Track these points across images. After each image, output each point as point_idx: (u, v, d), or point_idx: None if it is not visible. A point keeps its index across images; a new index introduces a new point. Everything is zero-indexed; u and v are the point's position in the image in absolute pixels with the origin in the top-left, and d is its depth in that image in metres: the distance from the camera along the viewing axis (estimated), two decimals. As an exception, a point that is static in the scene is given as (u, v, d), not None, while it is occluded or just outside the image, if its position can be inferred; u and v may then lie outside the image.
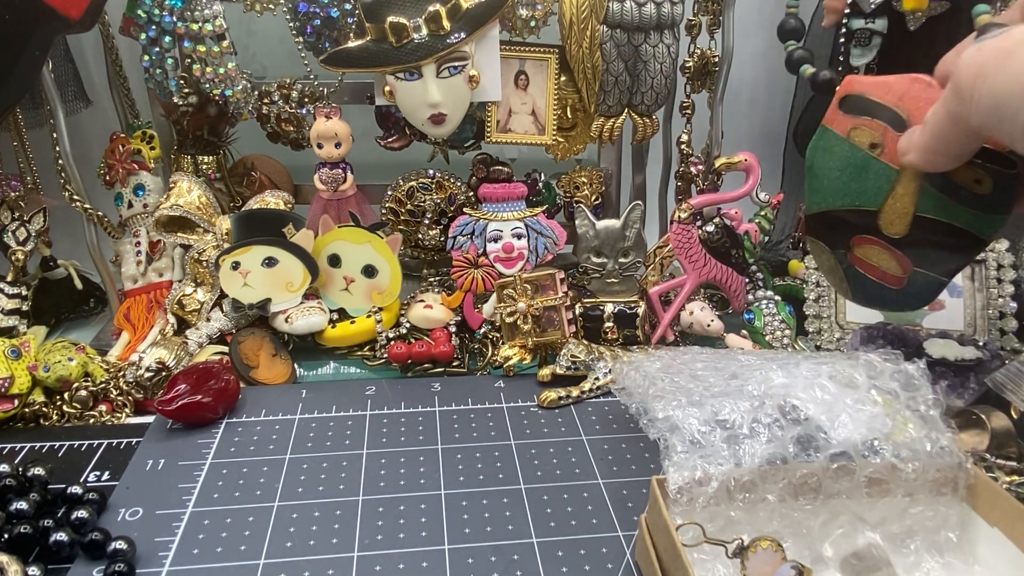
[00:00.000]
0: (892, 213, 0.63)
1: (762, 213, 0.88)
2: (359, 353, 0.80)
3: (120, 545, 0.51)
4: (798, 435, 0.50)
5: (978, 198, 0.59)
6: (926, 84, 0.60)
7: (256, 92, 0.85)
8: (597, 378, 0.72)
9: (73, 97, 0.92)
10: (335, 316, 0.81)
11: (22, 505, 0.52)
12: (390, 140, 0.88)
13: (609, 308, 0.77)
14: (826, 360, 0.57)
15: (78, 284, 0.89)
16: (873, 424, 0.50)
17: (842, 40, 0.77)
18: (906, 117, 0.61)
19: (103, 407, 0.69)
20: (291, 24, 0.81)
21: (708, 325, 0.78)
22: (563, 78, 0.84)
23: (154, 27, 0.79)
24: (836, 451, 0.49)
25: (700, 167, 0.92)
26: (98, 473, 0.60)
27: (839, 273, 0.69)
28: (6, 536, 0.50)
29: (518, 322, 0.75)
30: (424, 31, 0.76)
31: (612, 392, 0.70)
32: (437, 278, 0.92)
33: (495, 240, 0.83)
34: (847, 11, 0.77)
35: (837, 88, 0.66)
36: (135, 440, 0.64)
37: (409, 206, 0.89)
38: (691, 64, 0.90)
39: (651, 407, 0.54)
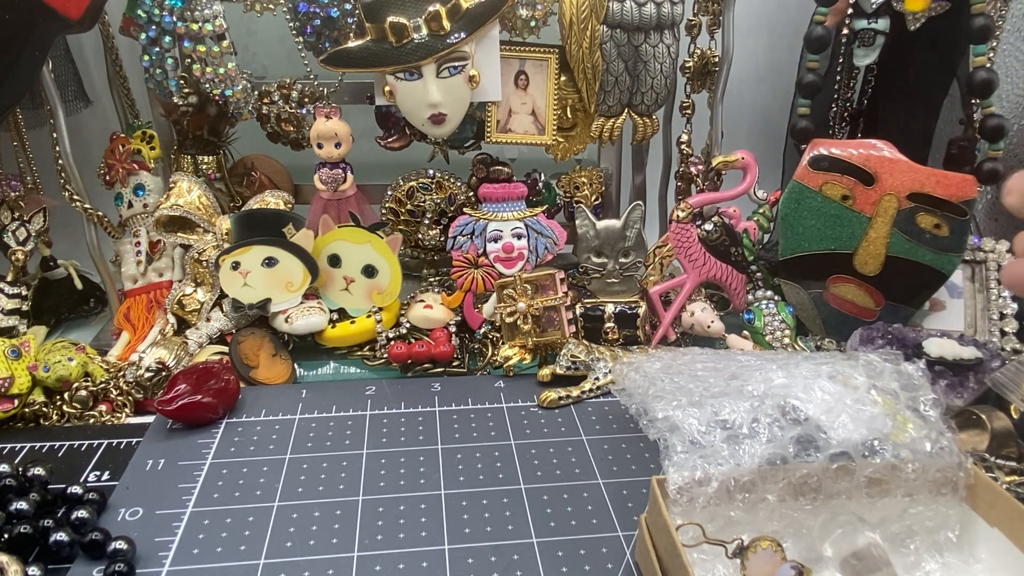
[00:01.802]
0: (866, 255, 0.75)
1: (760, 211, 0.88)
2: (359, 353, 0.80)
3: (120, 545, 0.51)
4: (798, 435, 0.50)
5: (939, 240, 0.72)
6: (887, 148, 0.73)
7: (256, 92, 0.85)
8: (597, 378, 0.72)
9: (73, 97, 0.92)
10: (335, 316, 0.81)
11: (22, 505, 0.52)
12: (390, 140, 0.88)
13: (610, 308, 0.77)
14: (826, 360, 0.57)
15: (78, 284, 0.89)
16: (873, 424, 0.50)
17: (844, 40, 0.77)
18: (873, 174, 0.73)
19: (103, 407, 0.69)
20: (291, 24, 0.81)
21: (709, 326, 0.78)
22: (563, 78, 0.84)
23: (154, 27, 0.79)
24: (836, 451, 0.49)
25: (700, 167, 0.92)
26: (98, 473, 0.60)
27: (813, 311, 0.80)
28: (6, 536, 0.50)
29: (518, 322, 0.75)
30: (424, 31, 0.76)
31: (612, 392, 0.70)
32: (437, 278, 0.92)
33: (495, 240, 0.83)
34: (849, 11, 0.77)
35: (805, 147, 0.76)
36: (135, 440, 0.64)
37: (409, 206, 0.89)
38: (691, 64, 0.90)
39: (651, 407, 0.54)
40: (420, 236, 0.90)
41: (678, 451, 0.49)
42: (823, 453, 0.49)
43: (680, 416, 0.51)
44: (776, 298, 0.81)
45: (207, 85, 0.81)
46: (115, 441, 0.65)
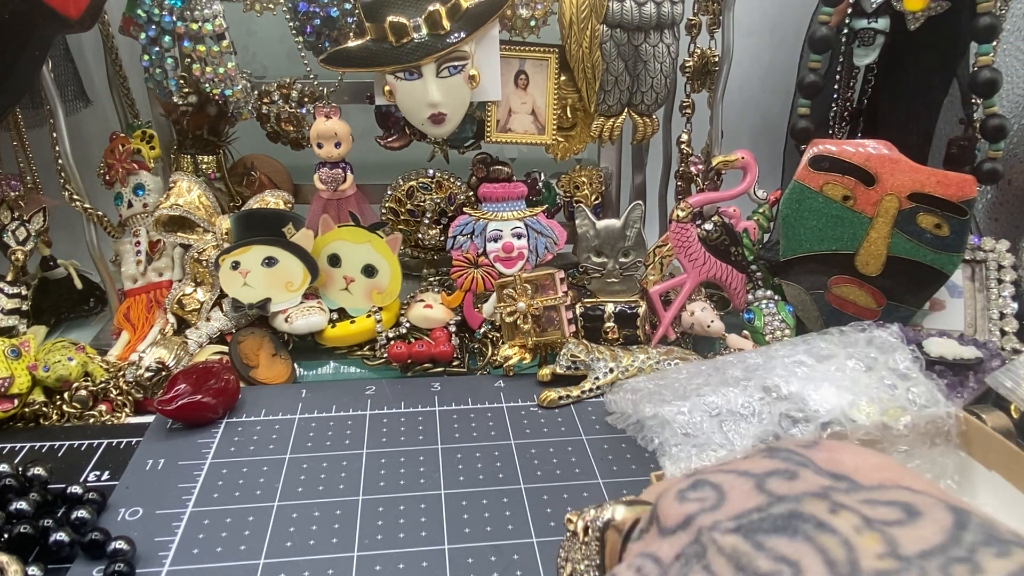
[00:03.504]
0: (867, 255, 0.75)
1: (760, 210, 0.88)
2: (359, 353, 0.80)
3: (120, 545, 0.51)
4: (786, 410, 0.50)
5: (939, 240, 0.73)
6: (887, 148, 0.73)
7: (256, 92, 0.85)
8: (597, 378, 0.72)
9: (73, 97, 0.92)
10: (335, 316, 0.81)
11: (22, 505, 0.52)
12: (390, 140, 0.88)
13: (610, 308, 0.77)
14: (800, 340, 0.57)
15: (78, 284, 0.89)
16: (855, 388, 0.49)
17: (844, 40, 0.77)
18: (874, 174, 0.73)
19: (103, 407, 0.69)
20: (291, 24, 0.81)
21: (709, 326, 0.78)
22: (563, 78, 0.84)
23: (154, 27, 0.79)
24: (825, 419, 0.49)
25: (700, 166, 0.92)
26: (98, 473, 0.61)
27: (814, 312, 0.80)
28: (6, 536, 0.50)
29: (518, 322, 0.75)
30: (424, 31, 0.76)
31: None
32: (437, 278, 0.92)
33: (495, 240, 0.83)
34: (849, 11, 0.77)
35: (804, 148, 0.76)
36: (135, 440, 0.64)
37: (409, 206, 0.89)
38: (691, 64, 0.90)
39: (640, 409, 0.54)
40: (420, 236, 0.90)
41: (672, 445, 0.49)
42: (813, 423, 0.49)
43: (669, 411, 0.51)
44: (776, 298, 0.81)
45: (207, 85, 0.81)
46: (115, 441, 0.65)
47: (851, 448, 0.35)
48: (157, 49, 0.80)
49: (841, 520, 0.29)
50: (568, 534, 0.40)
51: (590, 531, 0.38)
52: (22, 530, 0.50)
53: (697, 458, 0.47)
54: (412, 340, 0.79)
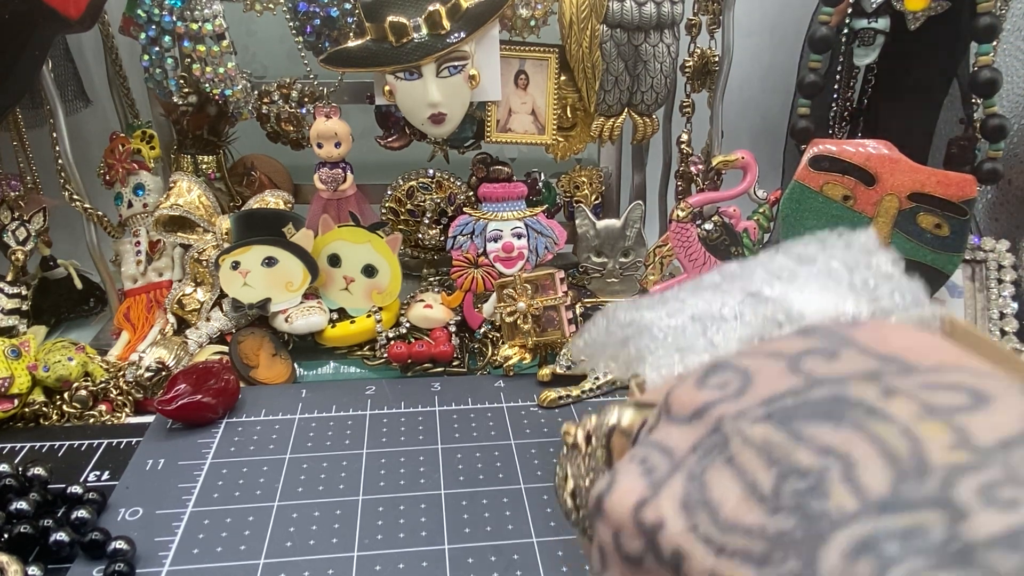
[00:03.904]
0: None
1: (760, 210, 0.88)
2: (359, 353, 0.80)
3: (120, 545, 0.51)
4: (770, 313, 0.46)
5: (939, 240, 0.73)
6: (887, 148, 0.73)
7: (256, 92, 0.85)
8: (597, 378, 0.72)
9: (73, 97, 0.92)
10: (335, 316, 0.81)
11: (22, 505, 0.52)
12: (390, 140, 0.88)
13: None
14: (774, 250, 0.52)
15: (78, 284, 0.89)
16: (840, 289, 0.46)
17: (844, 40, 0.77)
18: (874, 174, 0.73)
19: (103, 407, 0.69)
20: (291, 24, 0.81)
21: (708, 325, 0.78)
22: (563, 78, 0.84)
23: (154, 27, 0.79)
24: (811, 321, 0.45)
25: (700, 166, 0.92)
26: (98, 473, 0.61)
27: None
28: (6, 536, 0.50)
29: (518, 322, 0.75)
30: (424, 31, 0.76)
31: (612, 392, 0.70)
32: (437, 278, 0.92)
33: (495, 240, 0.83)
34: (849, 11, 0.77)
35: (804, 148, 0.75)
36: (135, 440, 0.64)
37: (409, 206, 0.89)
38: (691, 64, 0.90)
39: (615, 317, 0.49)
40: (420, 236, 0.90)
41: (651, 352, 0.45)
42: (796, 325, 0.45)
43: (648, 316, 0.47)
44: (776, 298, 0.81)
45: (207, 85, 0.81)
46: (115, 441, 0.65)
47: (900, 327, 0.29)
48: (157, 49, 0.80)
49: (897, 406, 0.23)
50: (565, 448, 0.34)
51: (594, 439, 0.32)
52: (22, 530, 0.50)
53: (680, 364, 0.43)
54: (412, 340, 0.79)
